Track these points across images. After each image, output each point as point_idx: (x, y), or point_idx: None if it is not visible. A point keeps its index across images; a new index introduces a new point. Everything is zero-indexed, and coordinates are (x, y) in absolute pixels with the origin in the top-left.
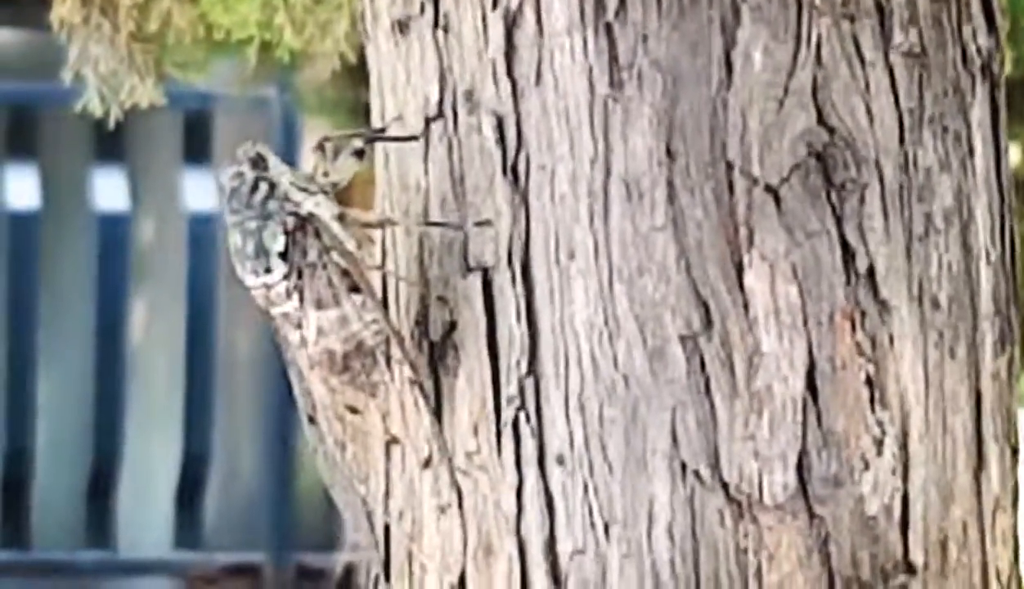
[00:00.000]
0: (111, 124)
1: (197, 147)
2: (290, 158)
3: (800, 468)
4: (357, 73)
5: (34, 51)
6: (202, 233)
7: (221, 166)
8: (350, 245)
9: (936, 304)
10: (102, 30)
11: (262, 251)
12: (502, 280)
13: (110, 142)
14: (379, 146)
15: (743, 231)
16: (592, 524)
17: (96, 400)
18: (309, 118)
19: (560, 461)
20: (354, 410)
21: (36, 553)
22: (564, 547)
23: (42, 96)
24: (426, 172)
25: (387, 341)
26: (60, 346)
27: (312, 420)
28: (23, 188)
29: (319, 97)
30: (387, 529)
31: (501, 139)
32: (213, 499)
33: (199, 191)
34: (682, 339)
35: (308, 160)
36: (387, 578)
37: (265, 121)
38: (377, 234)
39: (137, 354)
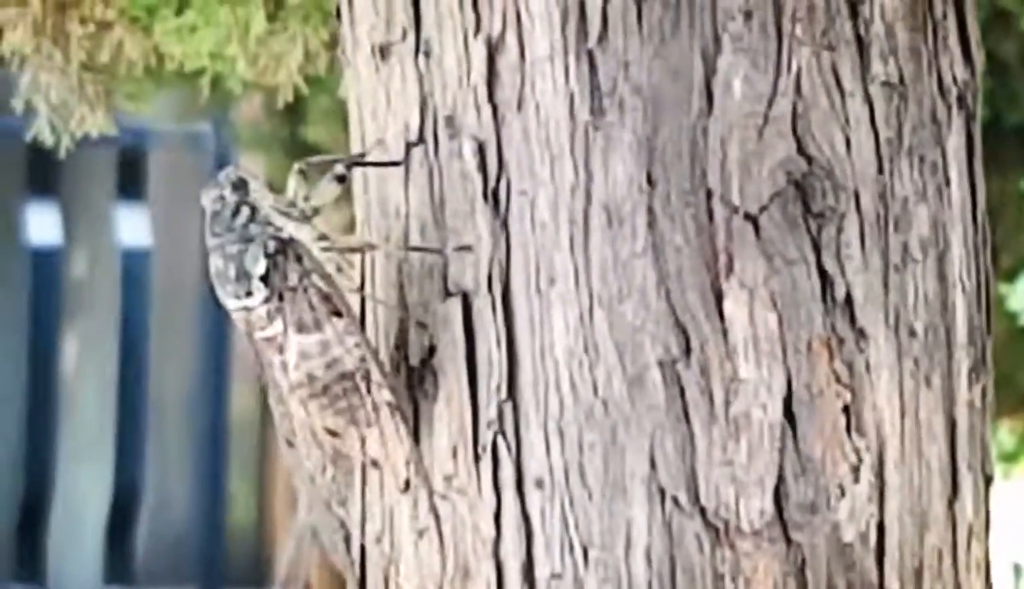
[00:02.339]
0: (61, 153)
1: (131, 182)
2: None
3: (777, 494)
4: (292, 109)
5: None
6: (135, 268)
7: (206, 190)
8: (330, 269)
9: (912, 333)
10: (53, 59)
11: (243, 274)
12: (482, 305)
13: (44, 176)
14: (359, 171)
15: (722, 258)
16: (570, 548)
17: (27, 434)
18: (244, 154)
19: (539, 485)
20: (334, 434)
21: None
22: (542, 571)
23: None
24: (407, 197)
25: (367, 365)
26: None
27: (291, 444)
28: None
29: (254, 133)
30: (363, 552)
31: (482, 165)
32: (143, 533)
33: (132, 226)
34: (661, 365)
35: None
36: None
37: (200, 157)
38: (357, 258)
39: (69, 388)
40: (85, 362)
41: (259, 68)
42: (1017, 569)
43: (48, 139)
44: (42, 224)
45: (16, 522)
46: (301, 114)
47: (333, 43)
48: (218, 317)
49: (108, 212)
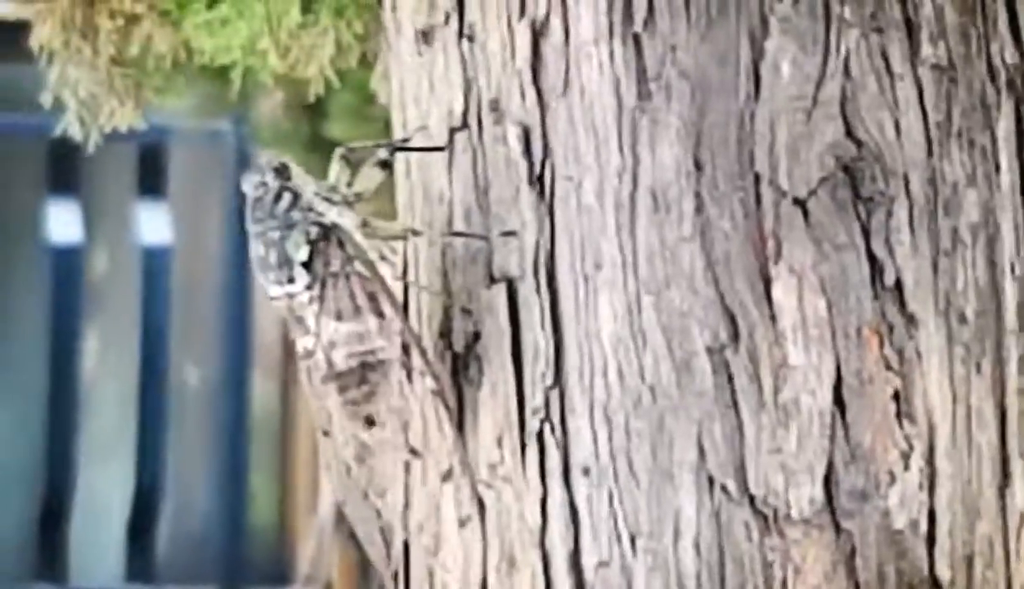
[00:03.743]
0: (90, 148)
1: (151, 180)
2: None
3: (827, 482)
4: (313, 106)
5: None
6: (155, 266)
7: (245, 175)
8: (373, 256)
9: (963, 319)
10: (82, 54)
11: (285, 261)
12: (527, 291)
13: (64, 175)
14: (402, 157)
15: (771, 243)
16: (618, 536)
17: (49, 431)
18: (263, 151)
19: (585, 472)
20: (372, 422)
21: None
22: (589, 560)
23: None
24: (450, 183)
25: (409, 352)
26: (13, 377)
27: (326, 433)
28: None
29: (274, 130)
30: (406, 544)
31: (527, 149)
32: (165, 531)
33: (153, 224)
34: (709, 351)
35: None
36: None
37: (220, 154)
38: (400, 245)
39: (90, 386)
40: (106, 360)
41: (290, 61)
42: None
43: (77, 134)
44: (63, 222)
45: (38, 521)
46: (321, 111)
47: (365, 36)
48: (239, 314)
49: (129, 210)
